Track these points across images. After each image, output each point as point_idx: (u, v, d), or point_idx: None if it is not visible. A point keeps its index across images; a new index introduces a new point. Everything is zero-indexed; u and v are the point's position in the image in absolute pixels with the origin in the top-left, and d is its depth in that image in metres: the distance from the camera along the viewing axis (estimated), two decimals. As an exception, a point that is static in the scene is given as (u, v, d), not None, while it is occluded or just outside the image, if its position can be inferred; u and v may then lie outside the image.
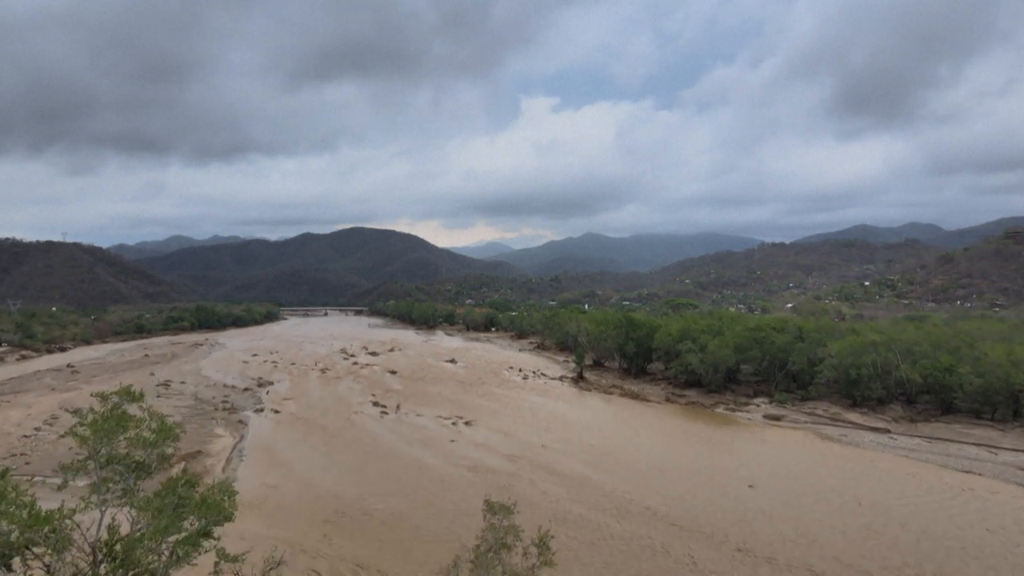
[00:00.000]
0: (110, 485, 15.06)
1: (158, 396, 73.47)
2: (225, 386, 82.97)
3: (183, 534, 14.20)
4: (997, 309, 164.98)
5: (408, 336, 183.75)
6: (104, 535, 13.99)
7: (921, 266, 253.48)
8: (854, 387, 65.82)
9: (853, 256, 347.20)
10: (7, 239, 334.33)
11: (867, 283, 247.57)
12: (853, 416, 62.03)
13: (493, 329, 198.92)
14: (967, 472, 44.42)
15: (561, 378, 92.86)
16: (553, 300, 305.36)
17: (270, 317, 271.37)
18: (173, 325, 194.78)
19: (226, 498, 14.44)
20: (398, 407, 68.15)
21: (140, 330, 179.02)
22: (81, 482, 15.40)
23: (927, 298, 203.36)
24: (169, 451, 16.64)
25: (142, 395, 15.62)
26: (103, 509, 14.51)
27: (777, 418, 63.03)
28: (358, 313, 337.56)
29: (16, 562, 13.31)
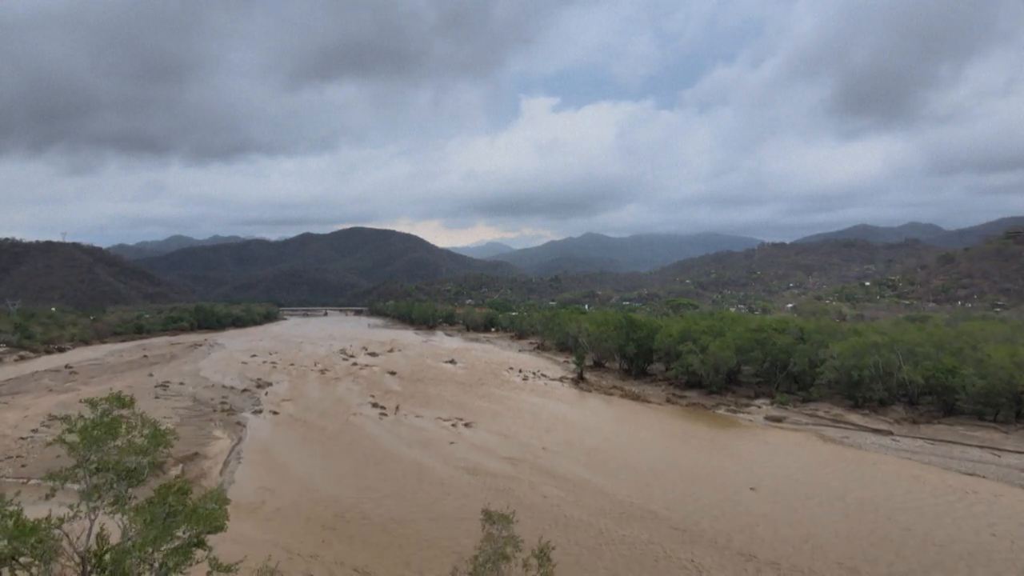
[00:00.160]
0: (101, 493, 14.72)
1: (156, 397, 73.19)
2: (224, 387, 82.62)
3: (175, 543, 13.86)
4: (998, 309, 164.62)
5: (408, 336, 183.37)
6: (94, 545, 13.64)
7: (922, 266, 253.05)
8: (856, 388, 65.45)
9: (853, 256, 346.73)
10: (6, 239, 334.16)
11: (867, 283, 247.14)
12: (855, 418, 61.66)
13: (493, 329, 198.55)
14: (971, 475, 44.04)
15: (561, 379, 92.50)
16: (553, 300, 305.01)
17: (269, 317, 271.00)
18: (172, 325, 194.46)
19: (218, 507, 14.03)
20: (397, 408, 67.79)
21: (139, 331, 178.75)
22: (72, 489, 15.08)
23: (928, 298, 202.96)
24: (161, 458, 16.32)
25: (132, 401, 15.25)
26: (92, 518, 14.15)
27: (778, 420, 62.66)
28: (358, 313, 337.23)
29: (4, 572, 12.97)
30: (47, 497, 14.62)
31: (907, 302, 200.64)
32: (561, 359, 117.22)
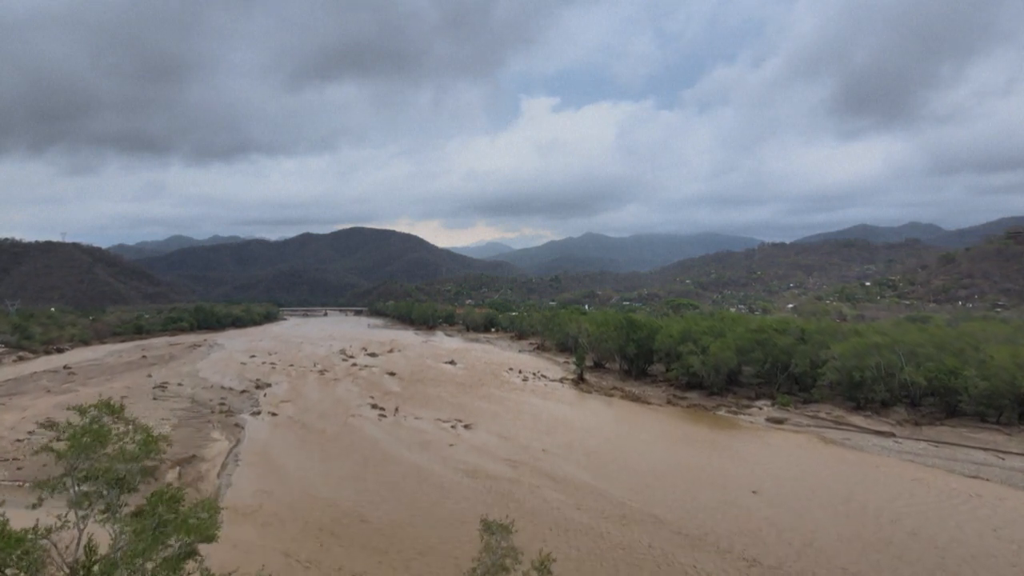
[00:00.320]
0: (91, 501, 14.38)
1: (154, 399, 72.86)
2: (222, 388, 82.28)
3: (168, 549, 13.53)
4: (999, 310, 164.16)
5: (407, 337, 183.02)
6: (82, 556, 13.30)
7: (922, 266, 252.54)
8: (857, 389, 65.10)
9: (854, 256, 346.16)
10: (6, 239, 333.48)
11: (868, 283, 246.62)
12: (857, 419, 61.31)
13: (493, 330, 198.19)
14: (974, 477, 43.70)
15: (561, 380, 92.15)
16: (553, 300, 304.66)
17: (269, 318, 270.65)
18: (172, 326, 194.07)
19: (209, 517, 13.68)
20: (396, 410, 67.44)
21: (138, 331, 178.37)
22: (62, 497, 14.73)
23: (928, 298, 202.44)
24: (153, 463, 15.99)
25: (122, 408, 14.89)
26: (82, 527, 13.82)
27: (780, 421, 62.31)
28: (358, 313, 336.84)
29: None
30: (33, 507, 14.21)
31: (908, 302, 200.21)
32: (561, 360, 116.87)
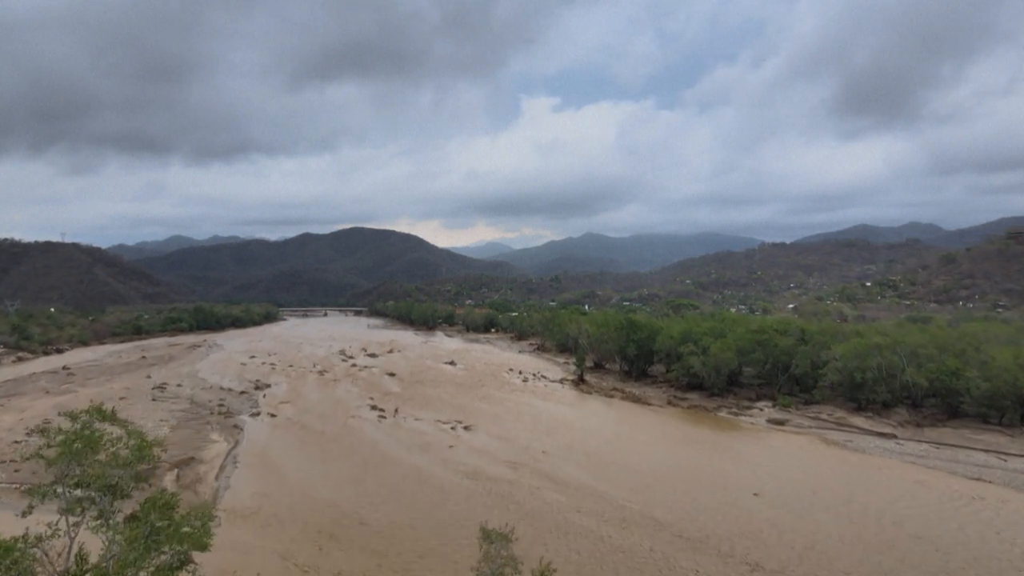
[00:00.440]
0: (83, 507, 14.14)
1: (153, 400, 72.64)
2: (222, 389, 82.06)
3: (161, 558, 13.28)
4: (1000, 310, 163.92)
5: (407, 337, 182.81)
6: (73, 565, 13.06)
7: (923, 266, 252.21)
8: (859, 391, 64.85)
9: (854, 256, 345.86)
10: (5, 239, 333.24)
11: (868, 284, 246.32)
12: (858, 420, 61.06)
13: (493, 330, 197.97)
14: (976, 479, 43.44)
15: (562, 381, 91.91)
16: (553, 300, 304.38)
17: (269, 318, 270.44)
18: (171, 326, 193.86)
19: (202, 525, 13.42)
20: (396, 411, 67.21)
21: (138, 331, 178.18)
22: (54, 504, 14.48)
23: (929, 299, 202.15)
24: (148, 467, 15.74)
25: (114, 413, 14.65)
26: (73, 535, 13.57)
27: (781, 422, 62.06)
28: (358, 314, 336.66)
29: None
30: (24, 514, 13.97)
31: (908, 303, 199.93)
32: (561, 360, 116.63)
